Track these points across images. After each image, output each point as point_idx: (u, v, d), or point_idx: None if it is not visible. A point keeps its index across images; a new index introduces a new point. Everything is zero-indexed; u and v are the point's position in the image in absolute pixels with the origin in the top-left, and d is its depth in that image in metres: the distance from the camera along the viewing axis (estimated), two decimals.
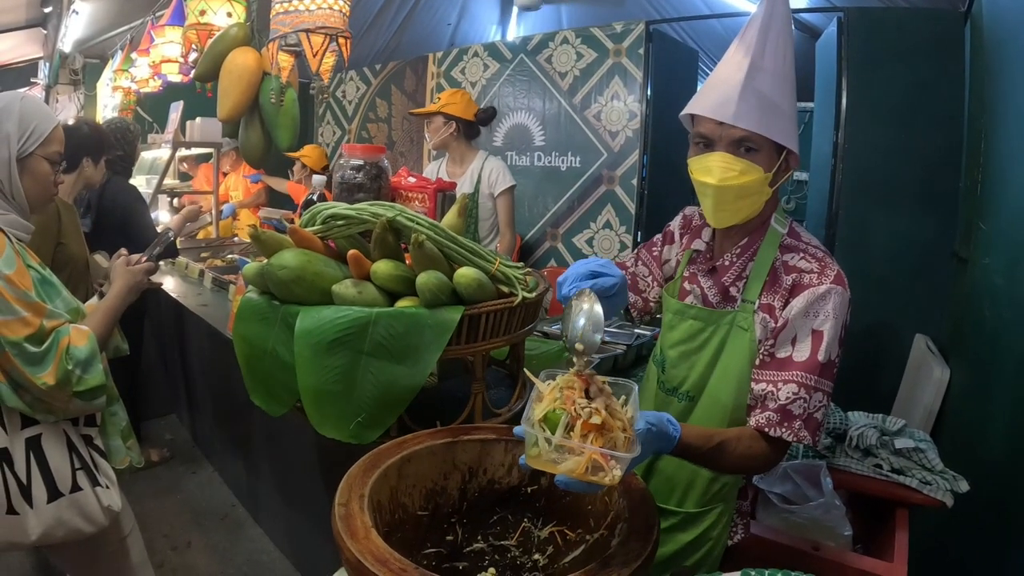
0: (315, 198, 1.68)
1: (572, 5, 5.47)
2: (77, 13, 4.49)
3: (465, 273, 1.24)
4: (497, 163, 2.82)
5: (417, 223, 1.26)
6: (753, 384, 1.15)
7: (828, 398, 1.11)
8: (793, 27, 1.15)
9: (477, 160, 2.82)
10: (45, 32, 5.70)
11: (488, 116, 2.85)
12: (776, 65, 1.10)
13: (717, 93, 1.10)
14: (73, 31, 4.87)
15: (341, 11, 1.90)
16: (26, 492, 1.30)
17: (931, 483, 1.54)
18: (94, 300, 1.59)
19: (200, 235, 4.61)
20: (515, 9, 5.74)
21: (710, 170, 1.10)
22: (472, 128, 2.83)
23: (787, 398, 1.09)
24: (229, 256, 3.66)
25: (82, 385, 1.32)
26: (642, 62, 3.66)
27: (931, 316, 2.64)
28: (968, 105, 2.57)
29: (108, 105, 5.30)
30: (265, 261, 1.30)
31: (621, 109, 3.79)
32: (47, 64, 6.08)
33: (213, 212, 4.54)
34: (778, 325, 1.13)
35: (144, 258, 1.63)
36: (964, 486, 1.55)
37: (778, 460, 1.15)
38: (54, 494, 1.34)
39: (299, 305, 1.27)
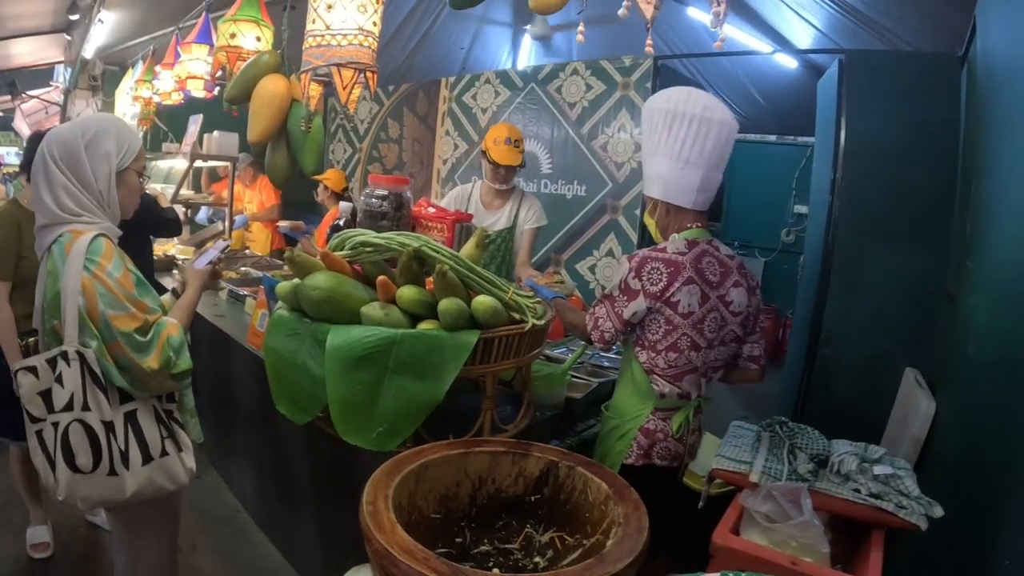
0: (342, 223, 1.80)
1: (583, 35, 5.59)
2: (103, 22, 4.57)
3: (483, 300, 1.35)
4: (535, 202, 2.99)
5: (440, 254, 1.38)
6: None
7: (607, 320, 1.70)
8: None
9: (514, 196, 2.95)
10: (68, 38, 5.79)
11: None
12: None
13: None
14: (96, 38, 4.93)
15: (371, 47, 2.03)
16: (124, 457, 1.52)
17: (907, 507, 1.61)
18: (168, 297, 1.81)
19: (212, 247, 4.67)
20: (527, 37, 5.88)
21: None
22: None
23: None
24: (243, 268, 3.73)
25: (176, 368, 1.54)
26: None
27: (923, 350, 2.66)
28: (962, 146, 2.62)
29: (127, 113, 5.37)
30: (297, 281, 1.42)
31: (627, 141, 3.89)
32: (67, 68, 6.16)
33: (226, 224, 4.63)
34: None
35: (211, 263, 1.85)
36: (939, 511, 1.62)
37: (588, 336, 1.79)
38: (147, 458, 1.56)
39: (329, 323, 1.38)
